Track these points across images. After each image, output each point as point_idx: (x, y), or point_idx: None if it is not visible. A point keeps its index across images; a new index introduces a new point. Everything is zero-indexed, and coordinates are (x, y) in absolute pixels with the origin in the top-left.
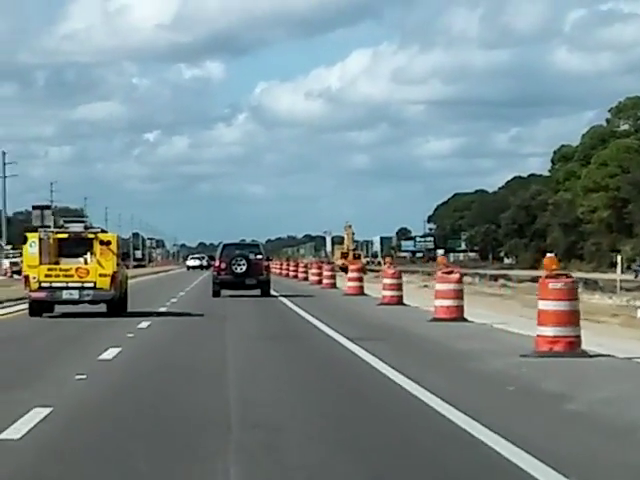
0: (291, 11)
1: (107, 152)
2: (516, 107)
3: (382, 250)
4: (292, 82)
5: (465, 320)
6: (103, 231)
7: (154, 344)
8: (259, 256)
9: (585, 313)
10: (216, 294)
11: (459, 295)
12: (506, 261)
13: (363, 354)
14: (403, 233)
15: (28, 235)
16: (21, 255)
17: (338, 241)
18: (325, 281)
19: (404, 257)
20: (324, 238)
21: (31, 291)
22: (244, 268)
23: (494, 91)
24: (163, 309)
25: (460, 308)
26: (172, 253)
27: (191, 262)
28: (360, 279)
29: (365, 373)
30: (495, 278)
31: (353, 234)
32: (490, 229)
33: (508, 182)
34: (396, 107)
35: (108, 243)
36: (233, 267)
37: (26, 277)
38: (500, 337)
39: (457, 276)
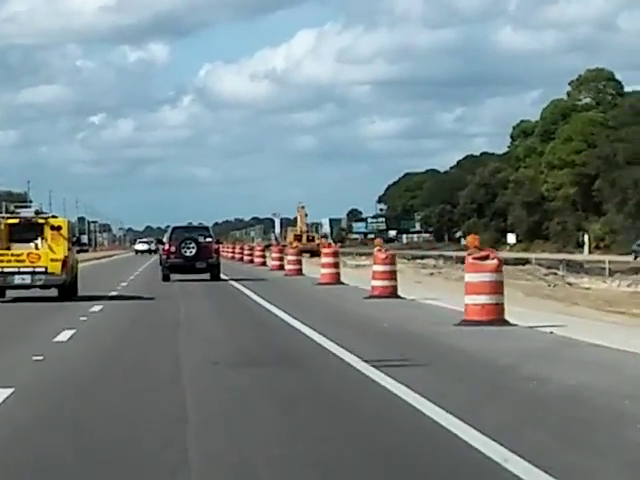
0: None
1: (52, 136)
2: (461, 87)
3: (332, 232)
4: (237, 64)
5: (506, 323)
6: (54, 216)
7: (107, 326)
8: (209, 239)
9: (604, 303)
10: (166, 278)
11: (499, 289)
12: (463, 242)
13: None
14: (354, 214)
15: None
16: None
17: (290, 223)
18: (289, 267)
19: (355, 239)
20: (273, 220)
21: None
22: (194, 251)
23: (439, 71)
24: (114, 293)
25: (500, 306)
26: (119, 237)
27: (139, 246)
28: (336, 265)
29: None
30: (462, 261)
31: (306, 215)
32: (445, 209)
33: (459, 161)
34: (342, 88)
35: (59, 228)
36: (182, 250)
37: None
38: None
39: (495, 263)
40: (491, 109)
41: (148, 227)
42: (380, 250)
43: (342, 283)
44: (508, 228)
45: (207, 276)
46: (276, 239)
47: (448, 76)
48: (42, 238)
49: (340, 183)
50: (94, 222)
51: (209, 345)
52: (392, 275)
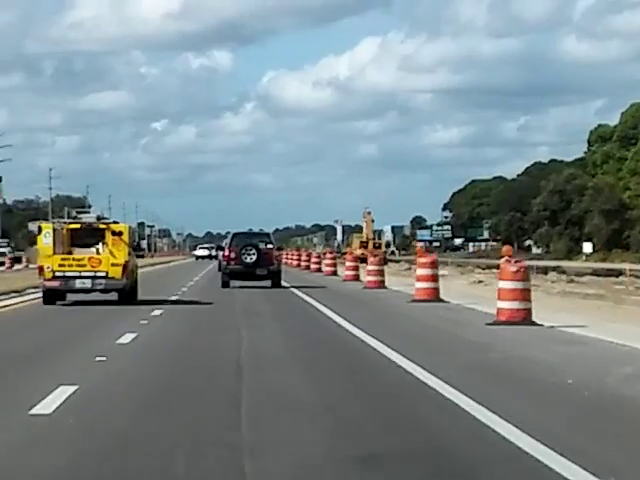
0: (298, 0)
1: (114, 141)
2: (524, 96)
3: (394, 239)
4: (300, 71)
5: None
6: (115, 222)
7: (167, 331)
8: (269, 245)
9: None
10: (225, 285)
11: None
12: (534, 251)
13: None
14: (417, 222)
15: (42, 226)
16: (8, 245)
17: (353, 230)
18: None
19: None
20: (334, 227)
21: (45, 280)
22: (254, 258)
23: (502, 80)
24: (174, 298)
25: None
26: (178, 243)
27: (199, 252)
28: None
29: None
30: (545, 271)
31: (372, 221)
32: (515, 217)
33: (527, 168)
34: (404, 96)
35: (120, 234)
36: (243, 257)
37: (40, 267)
38: None
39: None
40: (554, 118)
41: (208, 233)
42: (509, 261)
43: (442, 300)
44: (584, 237)
45: (268, 283)
46: (338, 246)
47: (511, 85)
48: (103, 243)
49: (401, 191)
50: (151, 226)
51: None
52: (525, 294)
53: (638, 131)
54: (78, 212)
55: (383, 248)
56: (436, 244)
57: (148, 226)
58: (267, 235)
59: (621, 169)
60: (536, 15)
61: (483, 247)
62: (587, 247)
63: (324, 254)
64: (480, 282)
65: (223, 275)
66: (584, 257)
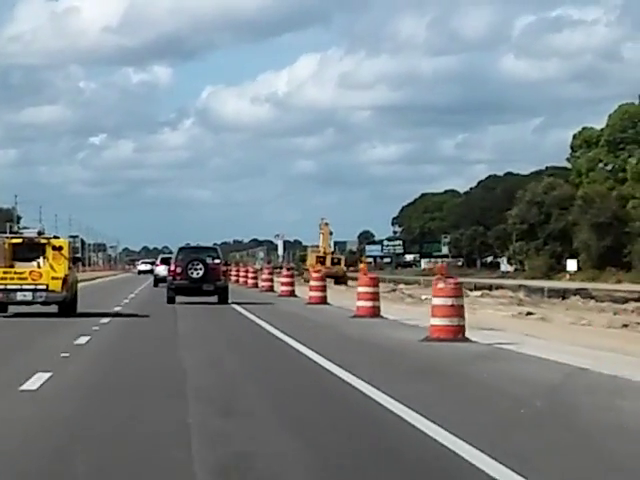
0: (239, 15)
1: (51, 156)
2: (463, 113)
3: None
4: (239, 86)
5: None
6: (56, 237)
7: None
8: (217, 260)
9: None
10: (170, 300)
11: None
12: (504, 268)
13: None
14: (365, 237)
15: None
16: None
17: (296, 245)
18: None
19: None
20: (272, 242)
21: None
22: (201, 273)
23: (441, 97)
24: (117, 309)
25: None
26: (114, 257)
27: (142, 266)
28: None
29: None
30: (562, 295)
31: (331, 234)
32: (477, 231)
33: (481, 181)
34: (343, 112)
35: (60, 248)
36: (189, 272)
37: None
38: None
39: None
40: (492, 136)
41: (145, 247)
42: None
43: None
44: (566, 253)
45: (214, 299)
46: (283, 261)
47: (449, 103)
48: (44, 257)
49: (341, 207)
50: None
51: None
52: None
53: (628, 135)
54: (20, 228)
55: (342, 264)
56: (387, 260)
57: (73, 237)
58: (214, 249)
59: (609, 177)
60: (475, 33)
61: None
62: (571, 264)
63: (261, 270)
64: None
65: (168, 290)
66: (567, 276)
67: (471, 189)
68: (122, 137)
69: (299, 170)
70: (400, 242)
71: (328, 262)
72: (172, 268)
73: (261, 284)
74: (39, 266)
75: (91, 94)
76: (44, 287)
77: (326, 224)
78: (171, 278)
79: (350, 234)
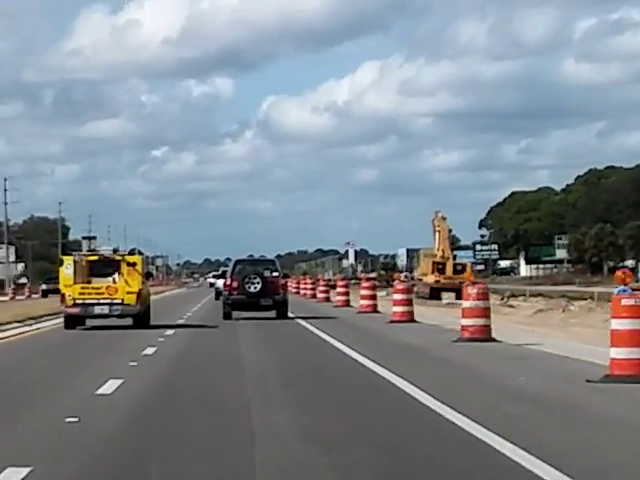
0: (299, 24)
1: (114, 170)
2: (525, 119)
3: (410, 264)
4: (300, 96)
5: None
6: (131, 253)
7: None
8: (275, 273)
9: None
10: (227, 316)
11: None
12: None
13: None
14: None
15: (64, 258)
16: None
17: (363, 255)
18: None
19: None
20: (337, 251)
21: (67, 307)
22: (258, 287)
23: (503, 103)
24: (181, 321)
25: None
26: (174, 270)
27: (212, 279)
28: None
29: None
30: None
31: (450, 231)
32: (605, 230)
33: (579, 177)
34: (404, 120)
35: (134, 264)
36: (246, 286)
37: (62, 295)
38: None
39: None
40: (555, 141)
41: (206, 260)
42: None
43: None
44: None
45: (273, 314)
46: (354, 271)
47: (512, 108)
48: (119, 273)
49: (400, 216)
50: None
51: None
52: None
53: None
54: (96, 247)
55: (469, 273)
56: (480, 267)
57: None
58: (272, 262)
59: None
60: (536, 37)
61: (555, 270)
62: None
63: (334, 281)
64: None
65: (225, 306)
66: None
67: (568, 185)
68: (184, 149)
69: (361, 179)
70: (495, 246)
71: (449, 270)
72: (228, 282)
73: (336, 298)
74: (114, 281)
75: (153, 107)
76: (120, 301)
77: (443, 218)
78: (227, 293)
79: (419, 241)
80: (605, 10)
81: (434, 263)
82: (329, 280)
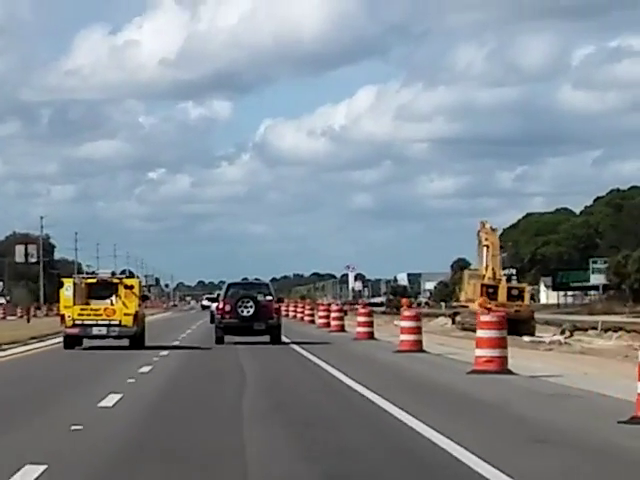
0: (297, 48)
1: (109, 191)
2: (521, 145)
3: (411, 289)
4: (297, 120)
5: None
6: (129, 276)
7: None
8: (268, 297)
9: None
10: (219, 340)
11: None
12: None
13: None
14: (460, 266)
15: (64, 280)
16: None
17: (364, 278)
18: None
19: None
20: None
21: (66, 327)
22: (251, 311)
23: (499, 129)
24: (176, 342)
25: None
26: (167, 293)
27: (206, 302)
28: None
29: None
30: None
31: (502, 248)
32: None
33: (600, 197)
34: (400, 145)
35: (131, 287)
36: (239, 310)
37: (62, 316)
38: None
39: None
40: (551, 169)
41: (200, 282)
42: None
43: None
44: None
45: (266, 339)
46: (355, 296)
47: (508, 135)
48: (117, 295)
49: (395, 241)
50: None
51: None
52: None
53: None
54: (94, 271)
55: (527, 299)
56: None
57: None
58: (266, 285)
59: None
60: (533, 64)
61: (585, 297)
62: None
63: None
64: None
65: (217, 330)
66: None
67: (586, 207)
68: (180, 171)
69: (356, 203)
70: (514, 271)
71: (502, 295)
72: (221, 305)
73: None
74: (112, 303)
75: (150, 128)
76: (117, 322)
77: (492, 229)
78: (219, 316)
79: (417, 266)
80: (603, 38)
81: (483, 286)
82: (329, 305)
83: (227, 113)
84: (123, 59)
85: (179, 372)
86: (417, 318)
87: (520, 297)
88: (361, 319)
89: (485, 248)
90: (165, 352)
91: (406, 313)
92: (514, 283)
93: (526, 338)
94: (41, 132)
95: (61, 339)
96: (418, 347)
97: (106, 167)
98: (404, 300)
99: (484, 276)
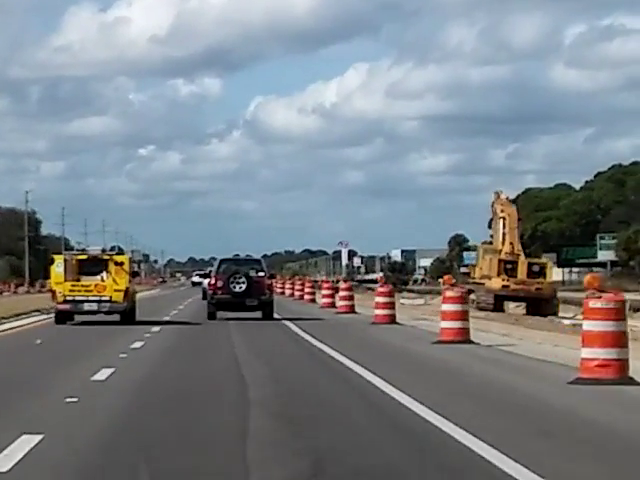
0: (288, 25)
1: (100, 167)
2: (512, 123)
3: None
4: (288, 97)
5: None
6: (118, 253)
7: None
8: (261, 273)
9: None
10: (211, 316)
11: None
12: None
13: None
14: (457, 242)
15: (55, 257)
16: None
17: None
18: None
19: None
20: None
21: (58, 303)
22: (244, 287)
23: (490, 107)
24: (167, 318)
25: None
26: (157, 269)
27: (196, 278)
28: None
29: None
30: None
31: (519, 220)
32: None
33: (601, 172)
34: (391, 122)
35: (121, 263)
36: (231, 285)
37: (53, 292)
38: None
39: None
40: (543, 146)
41: (191, 259)
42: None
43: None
44: None
45: (259, 314)
46: (352, 272)
47: (499, 112)
48: (107, 272)
49: (386, 218)
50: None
51: None
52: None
53: None
54: (86, 247)
55: (550, 276)
56: None
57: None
58: (258, 262)
59: None
60: (525, 42)
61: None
62: None
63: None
64: None
65: (209, 305)
66: None
67: (587, 182)
68: (170, 148)
69: (348, 181)
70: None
71: (521, 271)
72: (213, 281)
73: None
74: (103, 280)
75: (140, 105)
76: (108, 298)
77: (509, 200)
78: (212, 292)
79: (409, 243)
80: (596, 16)
81: (500, 262)
82: (336, 282)
83: (218, 90)
84: (113, 36)
85: (171, 346)
86: (462, 300)
87: (541, 274)
88: (380, 299)
89: (501, 220)
90: (157, 328)
91: (448, 294)
92: (536, 260)
93: (546, 319)
94: (31, 109)
95: (25, 324)
96: (464, 337)
97: (96, 144)
98: (446, 277)
99: (501, 251)
